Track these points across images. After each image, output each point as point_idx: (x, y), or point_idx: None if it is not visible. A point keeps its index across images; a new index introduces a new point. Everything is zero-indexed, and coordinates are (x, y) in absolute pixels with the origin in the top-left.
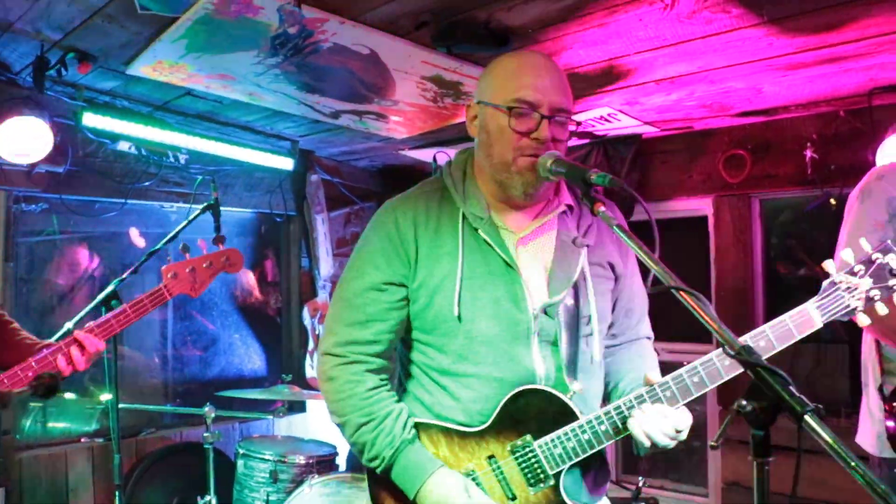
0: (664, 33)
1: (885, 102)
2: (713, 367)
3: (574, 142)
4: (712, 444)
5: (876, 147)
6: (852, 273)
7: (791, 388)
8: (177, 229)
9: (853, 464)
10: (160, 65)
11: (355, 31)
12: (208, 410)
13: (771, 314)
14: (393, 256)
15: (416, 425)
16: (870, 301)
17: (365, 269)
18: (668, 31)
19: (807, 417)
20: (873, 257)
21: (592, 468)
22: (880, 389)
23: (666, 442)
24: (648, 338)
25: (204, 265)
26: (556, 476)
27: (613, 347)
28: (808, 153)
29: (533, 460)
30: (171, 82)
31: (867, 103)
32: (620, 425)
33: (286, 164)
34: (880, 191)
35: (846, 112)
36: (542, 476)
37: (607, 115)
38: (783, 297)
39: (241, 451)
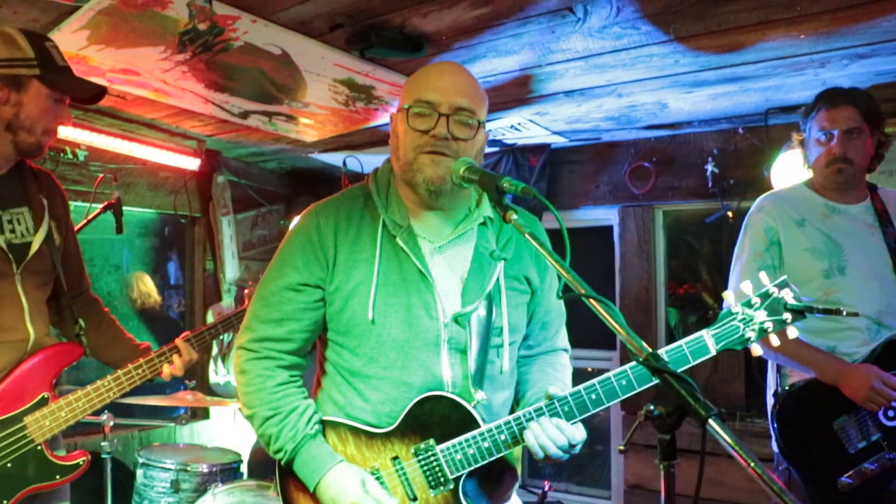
0: (575, 46)
1: (780, 122)
2: (611, 385)
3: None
4: (620, 447)
5: (770, 163)
6: (749, 305)
7: (696, 393)
8: (75, 229)
9: (752, 465)
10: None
11: (267, 30)
12: (106, 418)
13: (672, 322)
14: (311, 259)
15: (327, 423)
16: (763, 332)
17: (284, 269)
18: (580, 45)
19: (710, 421)
20: (770, 291)
21: (496, 474)
22: (775, 394)
23: (559, 454)
24: (565, 350)
25: None
26: (457, 480)
27: (528, 358)
28: (709, 167)
29: (435, 464)
30: None
31: (763, 121)
32: (519, 435)
33: (192, 163)
34: (759, 222)
35: (744, 129)
36: (442, 479)
37: (517, 124)
38: (686, 307)
39: (140, 461)
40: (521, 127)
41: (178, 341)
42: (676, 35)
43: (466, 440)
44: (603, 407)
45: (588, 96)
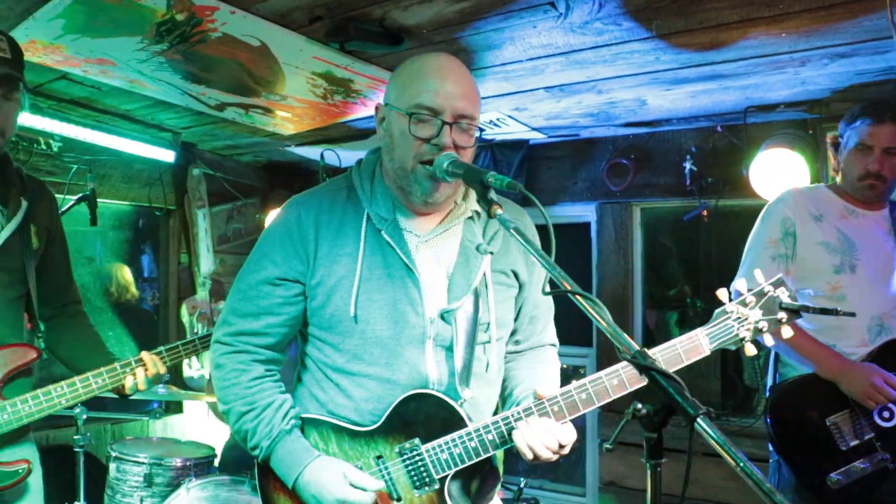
0: (556, 41)
1: (759, 120)
2: (602, 385)
3: None
4: (607, 446)
5: (749, 162)
6: (744, 303)
7: (685, 391)
8: None
9: (742, 465)
10: (33, 44)
11: (246, 21)
12: (79, 411)
13: (649, 320)
14: (291, 253)
15: (308, 421)
16: (758, 332)
17: (262, 262)
18: (561, 40)
19: (699, 420)
20: (765, 290)
21: (480, 474)
22: (771, 388)
23: (548, 455)
24: (553, 345)
25: None
26: (442, 481)
27: (516, 354)
28: (687, 165)
29: (419, 464)
30: (44, 64)
31: (742, 120)
32: (507, 436)
33: (167, 156)
34: (777, 212)
35: (723, 127)
36: (427, 480)
37: (496, 120)
38: (664, 306)
39: (113, 454)
40: (501, 122)
41: (145, 354)
42: (658, 32)
43: (453, 440)
44: (593, 407)
45: (568, 92)
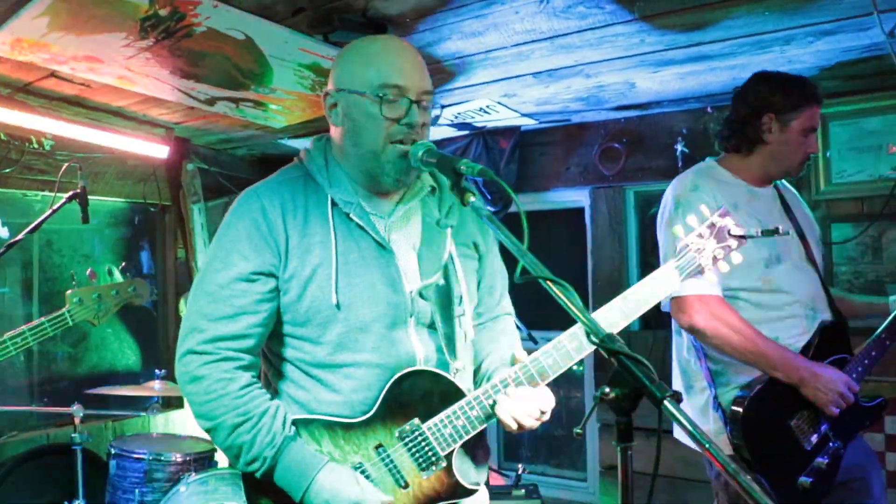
0: (540, 26)
1: None
2: (564, 349)
3: (453, 133)
4: (577, 430)
5: None
6: (700, 236)
7: (652, 374)
8: (40, 219)
9: (707, 445)
10: (19, 43)
11: (230, 14)
12: (77, 409)
13: None
14: (262, 245)
15: (296, 422)
16: (715, 260)
17: (230, 259)
18: (545, 25)
19: (666, 403)
20: (714, 221)
21: (475, 446)
22: (716, 398)
23: (532, 423)
24: (509, 314)
25: (112, 293)
26: (448, 457)
27: (478, 326)
28: (679, 147)
29: (423, 443)
30: (33, 62)
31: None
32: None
33: (161, 151)
34: (697, 201)
35: (713, 108)
36: (433, 459)
37: (486, 107)
38: None
39: (113, 451)
40: (490, 109)
41: None
42: (641, 14)
43: (454, 412)
44: (559, 372)
45: (556, 77)
